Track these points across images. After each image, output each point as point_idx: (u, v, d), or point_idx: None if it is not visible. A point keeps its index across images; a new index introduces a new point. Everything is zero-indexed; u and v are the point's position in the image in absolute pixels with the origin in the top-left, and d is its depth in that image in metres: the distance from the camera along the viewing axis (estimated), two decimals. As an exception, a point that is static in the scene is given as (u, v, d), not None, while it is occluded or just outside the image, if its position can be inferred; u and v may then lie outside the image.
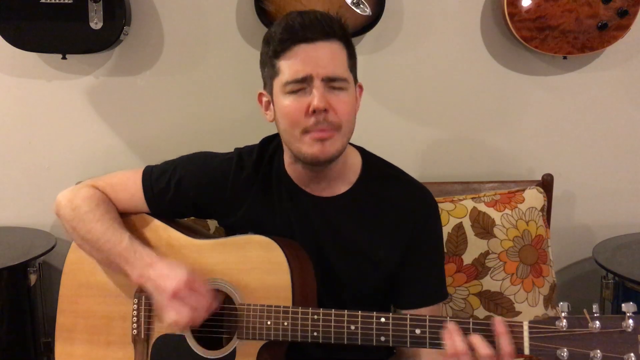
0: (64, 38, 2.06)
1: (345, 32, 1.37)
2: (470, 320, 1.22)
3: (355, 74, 1.41)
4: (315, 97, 1.31)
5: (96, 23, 2.05)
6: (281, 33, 1.33)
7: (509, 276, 1.88)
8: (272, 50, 1.35)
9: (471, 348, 1.20)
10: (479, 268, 1.88)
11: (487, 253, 1.88)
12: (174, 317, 1.34)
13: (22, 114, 2.28)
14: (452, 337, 1.21)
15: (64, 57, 2.11)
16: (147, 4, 2.20)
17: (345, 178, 1.47)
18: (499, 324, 1.19)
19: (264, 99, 1.43)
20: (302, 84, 1.32)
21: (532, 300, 1.88)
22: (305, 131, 1.33)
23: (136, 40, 2.21)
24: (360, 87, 1.45)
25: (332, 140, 1.35)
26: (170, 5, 2.21)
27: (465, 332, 1.21)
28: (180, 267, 1.38)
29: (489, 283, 1.88)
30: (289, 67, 1.33)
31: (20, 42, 2.08)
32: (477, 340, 1.19)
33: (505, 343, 1.18)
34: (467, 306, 1.88)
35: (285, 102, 1.34)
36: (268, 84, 1.40)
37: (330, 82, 1.33)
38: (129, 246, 1.42)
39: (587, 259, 2.26)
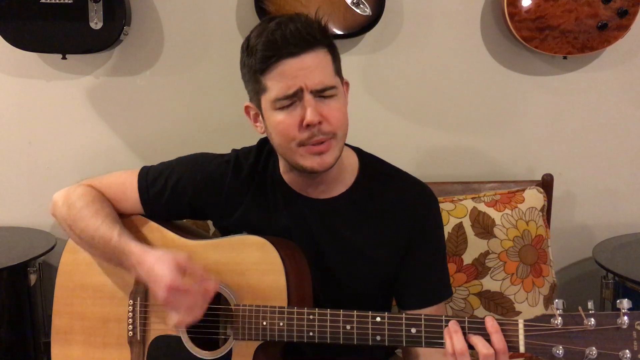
0: (64, 38, 2.07)
1: (327, 36, 1.33)
2: (466, 319, 1.22)
3: (341, 74, 1.39)
4: (308, 111, 1.28)
5: (96, 23, 2.05)
6: (263, 50, 1.28)
7: (509, 276, 1.88)
8: (256, 68, 1.31)
9: (470, 347, 1.20)
10: (479, 268, 1.88)
11: (487, 253, 1.88)
12: (173, 318, 1.32)
13: (22, 114, 2.28)
14: (452, 337, 1.20)
15: (64, 57, 2.12)
16: (147, 4, 2.20)
17: (342, 180, 1.46)
18: (490, 322, 1.19)
19: (252, 112, 1.42)
20: (292, 99, 1.30)
21: (532, 300, 1.88)
22: (301, 144, 1.32)
23: (136, 40, 2.21)
24: (347, 84, 1.43)
25: (330, 152, 1.33)
26: (170, 5, 2.21)
27: (462, 330, 1.21)
28: (164, 265, 1.31)
29: (489, 283, 1.88)
30: (276, 84, 1.30)
31: (20, 42, 2.08)
32: (478, 340, 1.19)
33: (497, 341, 1.18)
34: (467, 306, 1.88)
35: (278, 118, 1.32)
36: (254, 99, 1.38)
37: (320, 93, 1.30)
38: (117, 245, 1.41)
39: (587, 259, 2.25)
